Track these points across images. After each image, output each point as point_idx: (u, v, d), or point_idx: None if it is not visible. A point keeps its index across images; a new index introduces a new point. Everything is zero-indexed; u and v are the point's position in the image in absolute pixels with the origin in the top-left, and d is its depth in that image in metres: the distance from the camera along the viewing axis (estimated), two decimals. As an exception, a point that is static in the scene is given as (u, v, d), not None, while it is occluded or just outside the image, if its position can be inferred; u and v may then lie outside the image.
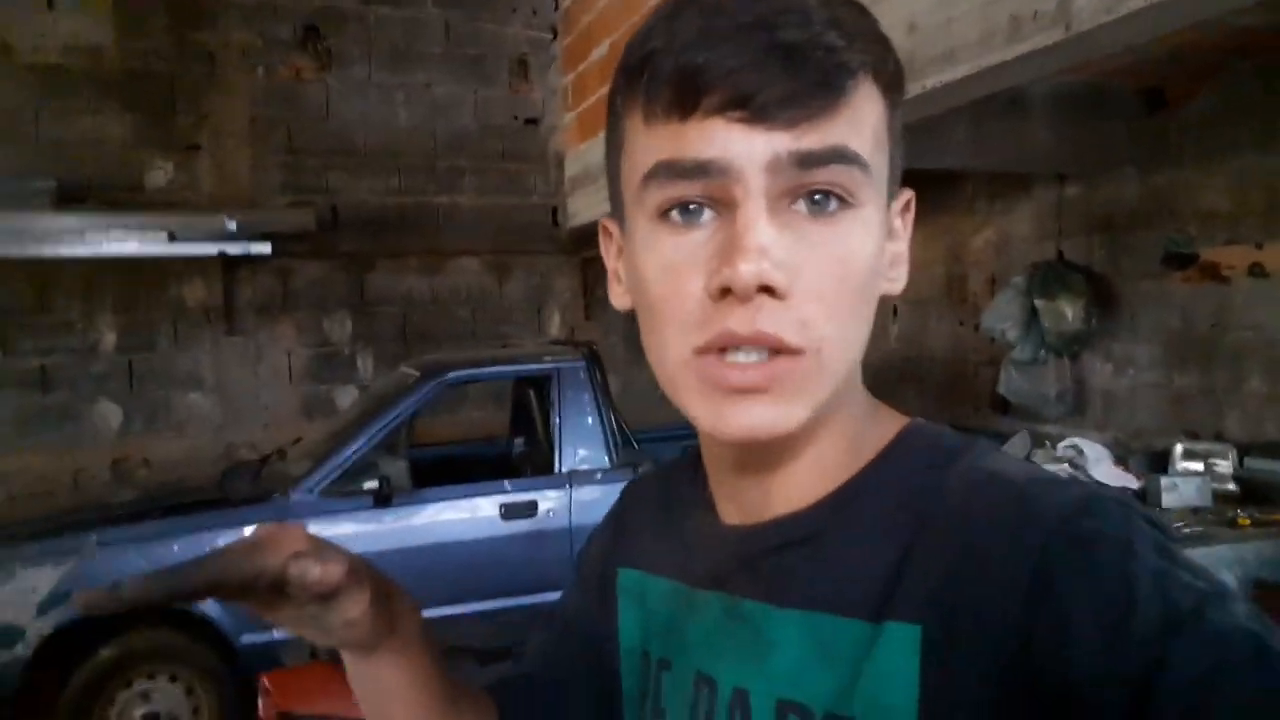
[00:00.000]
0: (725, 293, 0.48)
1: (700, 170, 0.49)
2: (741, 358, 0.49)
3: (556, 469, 3.65)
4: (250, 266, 5.05)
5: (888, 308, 5.77)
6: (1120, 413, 3.85)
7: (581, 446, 3.71)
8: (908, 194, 0.58)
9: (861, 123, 0.50)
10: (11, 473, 4.69)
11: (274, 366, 5.20)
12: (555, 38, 5.72)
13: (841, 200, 0.50)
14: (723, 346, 0.49)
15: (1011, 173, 4.14)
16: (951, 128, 3.25)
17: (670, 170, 0.50)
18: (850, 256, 0.50)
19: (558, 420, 3.71)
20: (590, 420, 3.73)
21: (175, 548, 3.18)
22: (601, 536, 0.76)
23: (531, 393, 4.04)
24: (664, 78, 0.49)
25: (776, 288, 0.48)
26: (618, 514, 0.75)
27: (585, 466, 3.69)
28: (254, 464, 3.91)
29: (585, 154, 5.44)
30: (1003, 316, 3.94)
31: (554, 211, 5.73)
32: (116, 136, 4.90)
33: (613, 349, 5.39)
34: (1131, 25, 1.75)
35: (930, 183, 4.18)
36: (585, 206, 5.52)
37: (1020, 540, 0.47)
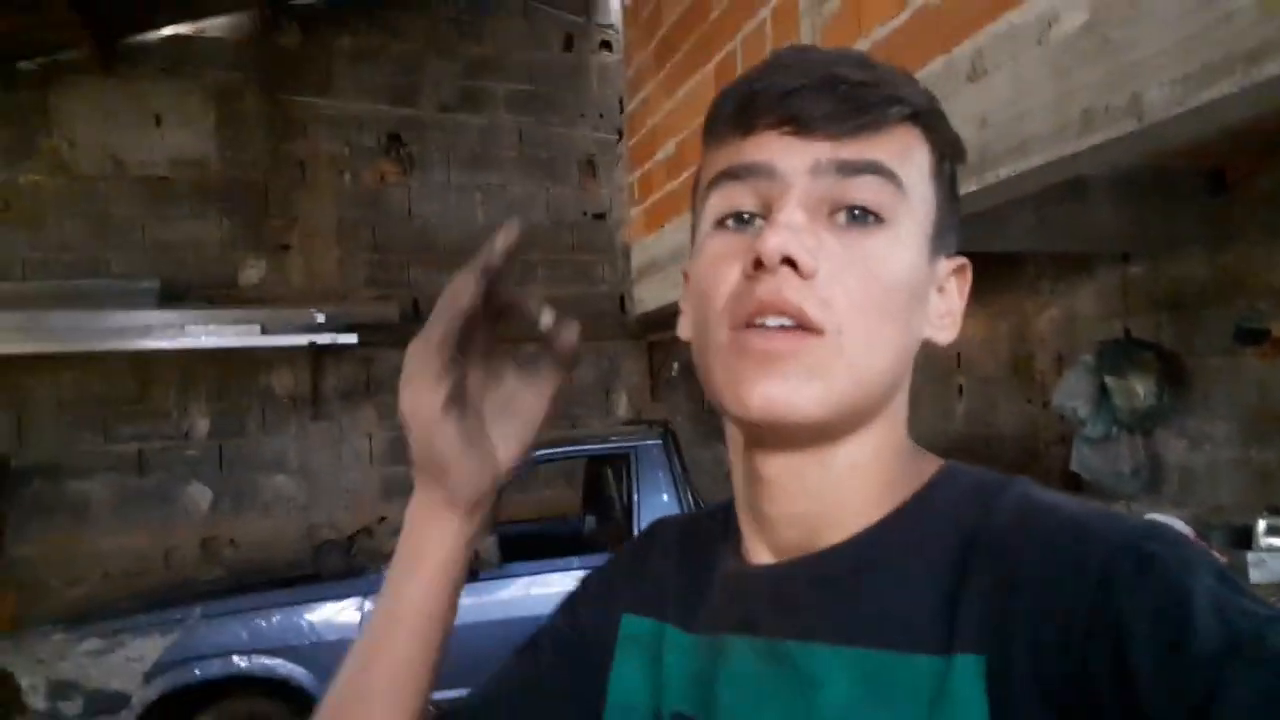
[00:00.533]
0: (757, 267, 0.51)
1: (750, 171, 0.54)
2: (769, 323, 0.51)
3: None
4: (335, 356, 5.30)
5: (953, 387, 5.83)
6: (1198, 488, 3.83)
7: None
8: (962, 260, 0.60)
9: (902, 154, 0.54)
10: (109, 552, 4.89)
11: (356, 449, 5.39)
12: (620, 139, 6.04)
13: (878, 217, 0.53)
14: (751, 318, 0.51)
15: (1075, 253, 4.23)
16: (1015, 212, 3.36)
17: (726, 175, 0.55)
18: (880, 264, 0.52)
19: (636, 497, 3.80)
20: (666, 497, 3.81)
21: (275, 619, 3.30)
22: (607, 579, 0.71)
23: (608, 470, 4.15)
24: (730, 105, 0.56)
25: (799, 261, 0.50)
26: (633, 555, 0.71)
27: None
28: (344, 542, 4.05)
29: (651, 245, 5.67)
30: (1073, 394, 3.98)
31: (621, 299, 5.94)
32: (215, 239, 5.25)
33: (679, 429, 5.50)
34: (1203, 116, 1.79)
35: (993, 264, 4.28)
36: (651, 294, 5.72)
37: (1082, 563, 0.46)
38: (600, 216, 5.98)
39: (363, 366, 5.42)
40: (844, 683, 0.51)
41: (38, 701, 3.17)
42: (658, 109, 5.45)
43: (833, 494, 0.56)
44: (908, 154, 0.55)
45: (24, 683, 3.20)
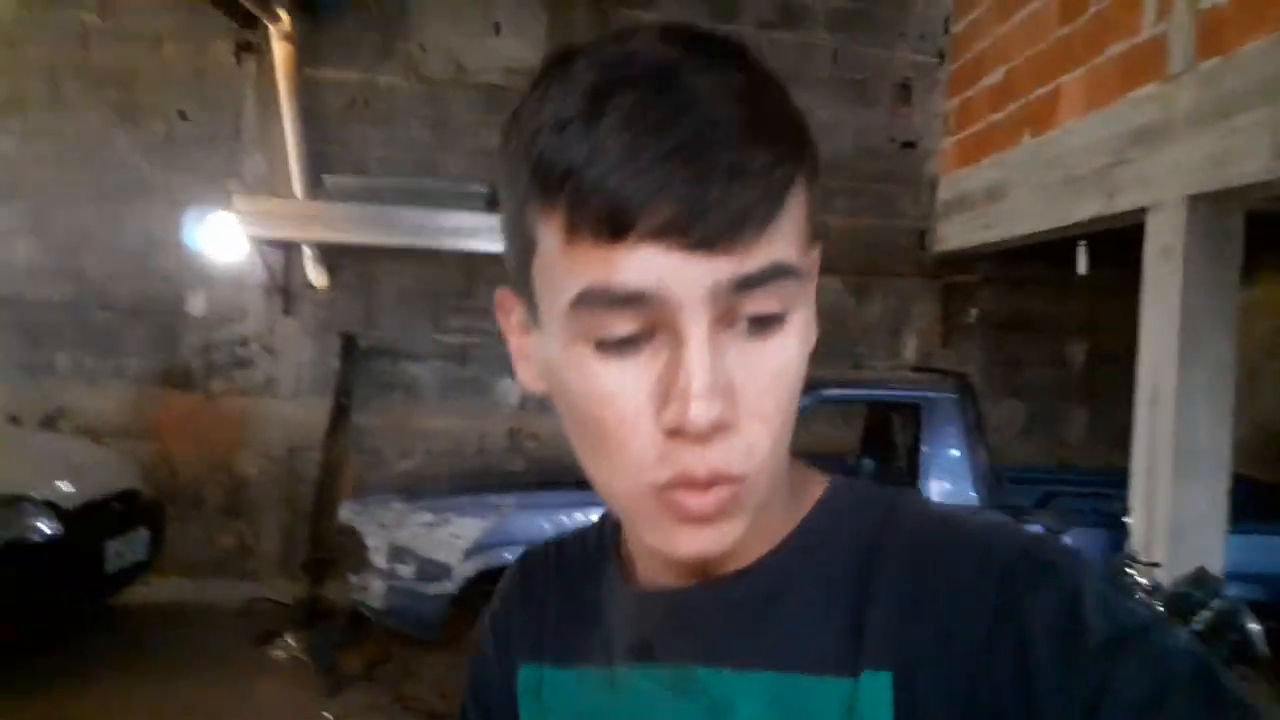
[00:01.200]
0: (676, 433, 0.47)
1: (636, 300, 0.46)
2: (695, 493, 0.48)
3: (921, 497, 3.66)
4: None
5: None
6: None
7: (947, 480, 3.70)
8: (818, 248, 0.55)
9: (794, 229, 0.48)
10: (432, 431, 5.55)
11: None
12: (941, 62, 5.67)
13: (780, 318, 0.48)
14: (682, 485, 0.48)
15: None
16: None
17: (602, 299, 0.46)
18: (787, 367, 0.49)
19: (925, 450, 3.72)
20: (958, 453, 3.71)
21: (576, 517, 3.62)
22: (497, 632, 0.67)
23: (897, 418, 4.08)
24: (591, 199, 0.44)
25: (727, 423, 0.46)
26: (514, 597, 0.67)
27: (949, 500, 3.67)
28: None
29: (963, 179, 5.35)
30: None
31: (922, 235, 5.70)
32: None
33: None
34: None
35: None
36: (956, 232, 5.44)
37: (985, 574, 0.48)
38: (909, 145, 5.71)
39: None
40: (754, 707, 0.51)
41: (380, 560, 3.71)
42: (988, 32, 5.06)
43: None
44: (799, 222, 0.49)
45: (370, 542, 3.75)
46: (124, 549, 4.22)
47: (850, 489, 0.58)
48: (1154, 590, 2.53)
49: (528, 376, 0.57)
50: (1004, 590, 0.48)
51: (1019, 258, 5.22)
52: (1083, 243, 4.21)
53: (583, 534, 0.66)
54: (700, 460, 0.47)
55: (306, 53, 5.25)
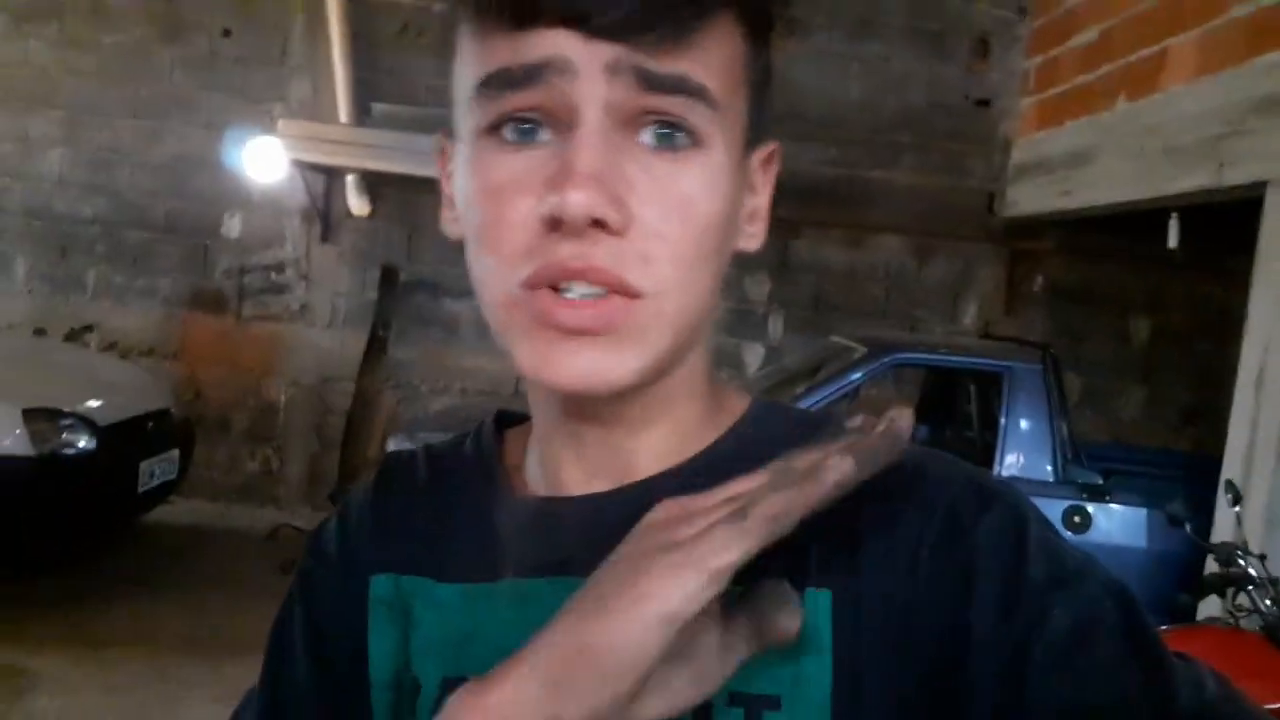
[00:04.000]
0: (554, 224, 0.44)
1: (535, 73, 0.44)
2: (575, 295, 0.44)
3: (997, 472, 3.50)
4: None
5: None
6: None
7: (1023, 453, 3.54)
8: (772, 145, 0.53)
9: (713, 62, 0.46)
10: (469, 370, 5.40)
11: (693, 314, 5.47)
12: (1023, 18, 5.40)
13: (691, 136, 0.45)
14: (554, 281, 0.44)
15: None
16: None
17: (502, 79, 0.45)
18: (697, 198, 0.46)
19: (1004, 422, 3.56)
20: (1040, 427, 3.54)
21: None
22: (340, 537, 0.60)
23: (973, 387, 3.91)
24: None
25: (610, 223, 0.43)
26: (368, 504, 0.60)
27: (1024, 475, 3.52)
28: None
29: (1040, 142, 5.11)
30: None
31: (990, 198, 5.47)
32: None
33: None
34: None
35: None
36: (1029, 197, 5.21)
37: (929, 501, 0.47)
38: (984, 103, 5.46)
39: (713, 232, 5.42)
40: None
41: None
42: (1083, -13, 4.78)
43: (653, 426, 0.52)
44: (723, 56, 0.47)
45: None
46: (155, 468, 4.13)
47: (775, 408, 0.56)
48: (1266, 582, 2.38)
49: (448, 219, 0.54)
50: (950, 516, 0.47)
51: (1090, 227, 5.01)
52: (1175, 214, 4.00)
53: (457, 442, 0.61)
54: (579, 255, 0.44)
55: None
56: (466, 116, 0.48)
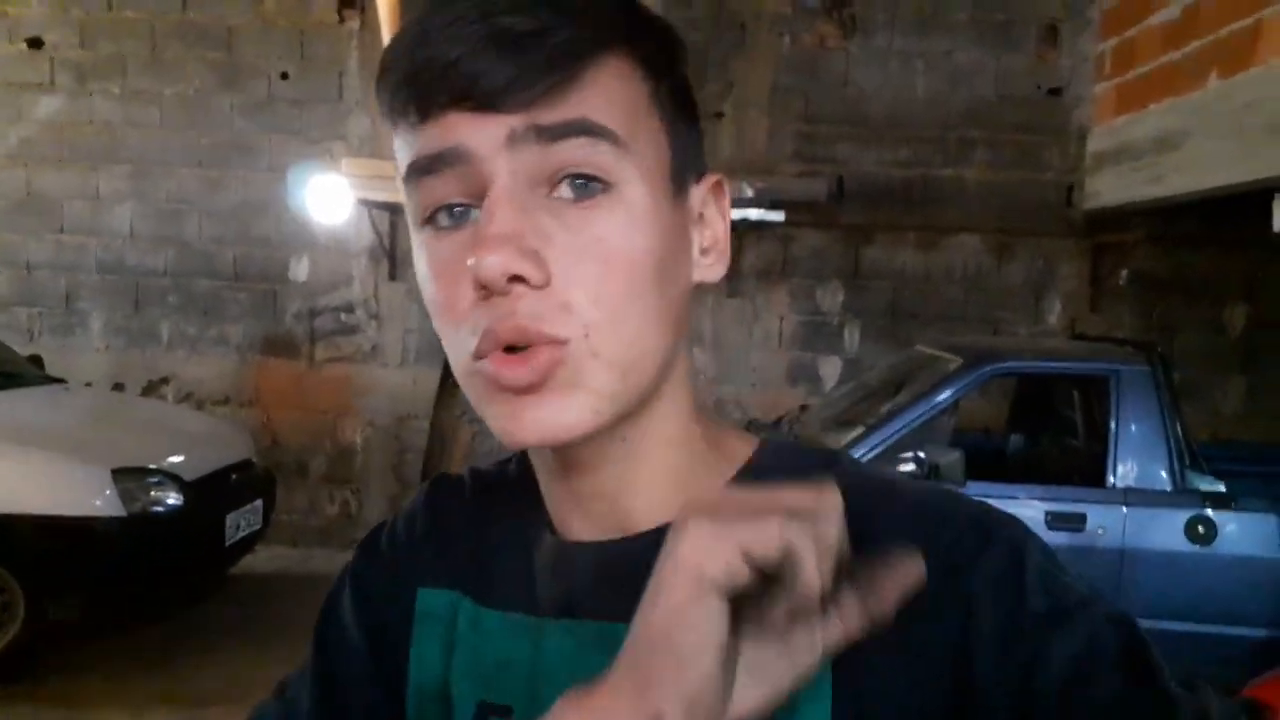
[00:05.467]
0: (483, 288, 0.45)
1: (440, 162, 0.47)
2: (508, 355, 0.46)
3: (1110, 482, 3.32)
4: (756, 232, 5.21)
5: None
6: None
7: (1136, 462, 3.34)
8: (714, 177, 0.55)
9: (611, 102, 0.47)
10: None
11: (766, 330, 5.36)
12: (1093, 1, 5.19)
13: (601, 182, 0.47)
14: (496, 347, 0.46)
15: None
16: None
17: (417, 170, 0.48)
18: (612, 239, 0.47)
19: (1112, 428, 3.36)
20: (1151, 434, 3.34)
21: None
22: (393, 549, 0.62)
23: (1076, 393, 3.73)
24: (396, 82, 0.48)
25: (528, 277, 0.45)
26: (421, 519, 0.62)
27: (1140, 485, 3.32)
28: (772, 424, 4.03)
29: (1120, 129, 4.89)
30: None
31: (1069, 190, 5.26)
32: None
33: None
34: None
35: None
36: (1109, 187, 4.99)
37: (933, 536, 0.48)
38: (1055, 92, 5.24)
39: (781, 245, 5.30)
40: None
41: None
42: (1161, -36, 4.56)
43: (641, 475, 0.53)
44: (617, 96, 0.48)
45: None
46: (241, 520, 4.14)
47: (781, 449, 0.56)
48: None
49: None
50: (951, 556, 0.47)
51: (1180, 214, 4.77)
52: (1279, 195, 3.77)
53: (506, 466, 0.63)
54: (504, 315, 0.46)
55: (412, 10, 4.99)
56: (407, 205, 0.50)
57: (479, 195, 0.47)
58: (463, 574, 0.58)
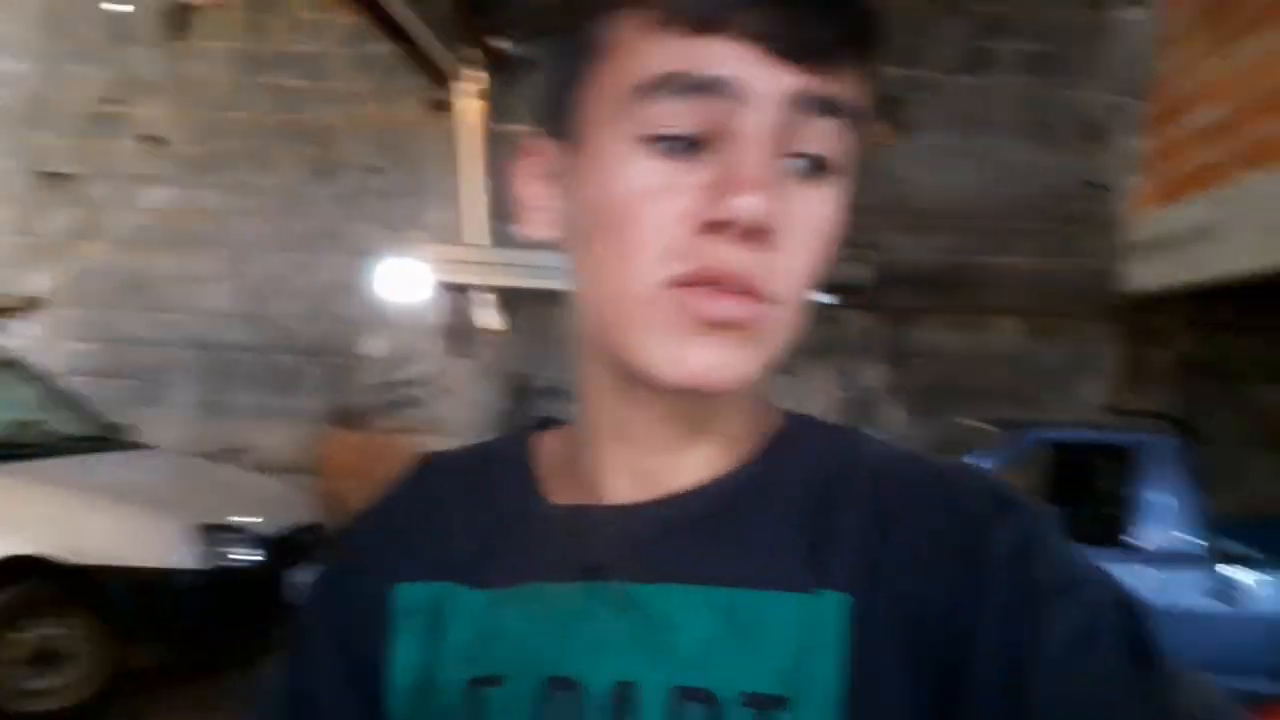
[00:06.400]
0: (715, 227, 0.45)
1: (712, 87, 0.44)
2: (719, 291, 0.46)
3: (1135, 547, 3.45)
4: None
5: None
6: None
7: (1166, 525, 3.47)
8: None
9: (860, 92, 0.47)
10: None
11: (812, 408, 5.50)
12: (1135, 101, 5.43)
13: (831, 166, 0.47)
14: (714, 280, 0.45)
15: None
16: None
17: (677, 83, 0.44)
18: (827, 225, 0.48)
19: (1142, 496, 3.50)
20: (1176, 501, 3.47)
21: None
22: (369, 543, 0.59)
23: (1104, 464, 3.87)
24: None
25: (768, 232, 0.45)
26: (399, 510, 0.60)
27: (1167, 548, 3.44)
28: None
29: (1160, 219, 5.08)
30: None
31: (1108, 276, 5.42)
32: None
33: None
34: None
35: None
36: (1148, 273, 5.15)
37: (951, 506, 0.49)
38: (1098, 186, 5.46)
39: (828, 326, 5.51)
40: (703, 622, 0.49)
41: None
42: (1198, 68, 4.83)
43: (713, 430, 0.53)
44: (867, 89, 0.48)
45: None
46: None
47: (812, 421, 0.57)
48: None
49: (538, 221, 0.53)
50: (969, 527, 0.48)
51: (1214, 301, 4.91)
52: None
53: (484, 448, 0.62)
54: (734, 260, 0.45)
55: (496, 108, 5.44)
56: (615, 115, 0.47)
57: (717, 136, 0.45)
58: (446, 560, 0.56)
